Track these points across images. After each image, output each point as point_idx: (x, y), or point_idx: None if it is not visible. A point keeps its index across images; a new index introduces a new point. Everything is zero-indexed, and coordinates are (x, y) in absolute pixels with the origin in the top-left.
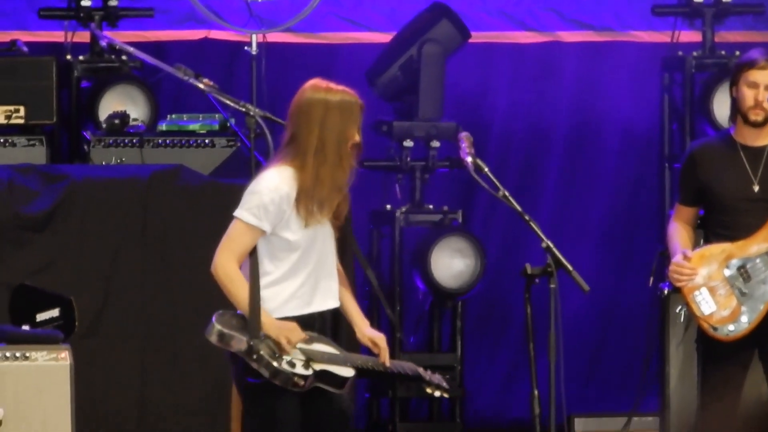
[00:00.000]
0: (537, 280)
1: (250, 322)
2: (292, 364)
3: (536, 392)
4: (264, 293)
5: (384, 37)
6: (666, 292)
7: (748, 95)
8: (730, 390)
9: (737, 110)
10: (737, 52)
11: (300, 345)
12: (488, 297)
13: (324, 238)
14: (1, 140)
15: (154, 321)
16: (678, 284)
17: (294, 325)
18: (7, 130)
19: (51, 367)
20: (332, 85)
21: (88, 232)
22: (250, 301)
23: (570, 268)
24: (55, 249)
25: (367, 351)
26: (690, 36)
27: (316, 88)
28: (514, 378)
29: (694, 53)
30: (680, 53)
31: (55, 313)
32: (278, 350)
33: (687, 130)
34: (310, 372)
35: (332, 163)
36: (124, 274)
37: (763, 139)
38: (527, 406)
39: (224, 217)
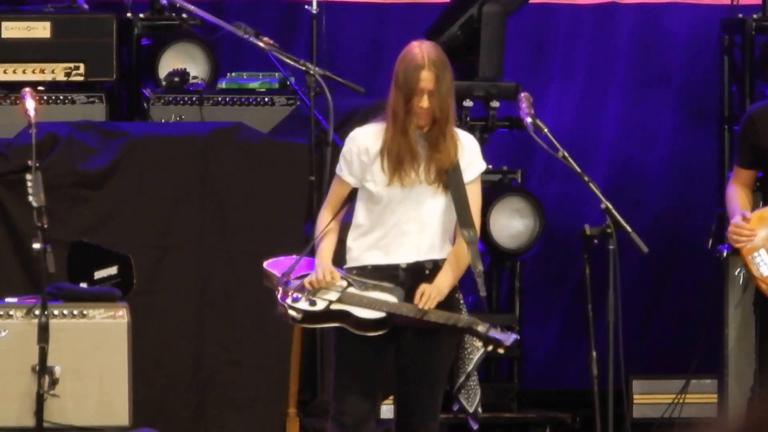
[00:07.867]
0: (595, 241)
1: (296, 262)
2: (296, 300)
3: (594, 354)
4: (353, 243)
5: None
6: (725, 254)
7: None
8: None
9: None
10: None
11: (352, 290)
12: (544, 257)
13: (420, 196)
14: (61, 97)
15: (211, 279)
16: (736, 245)
17: (327, 269)
18: (67, 87)
19: (108, 325)
20: (414, 45)
21: (146, 189)
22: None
23: (629, 229)
24: (112, 206)
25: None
26: None
27: (405, 48)
28: (569, 339)
29: (754, 15)
30: (740, 15)
31: (113, 270)
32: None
33: (746, 92)
34: (314, 308)
35: (398, 123)
36: (182, 232)
37: None
38: (583, 367)
39: (282, 176)
